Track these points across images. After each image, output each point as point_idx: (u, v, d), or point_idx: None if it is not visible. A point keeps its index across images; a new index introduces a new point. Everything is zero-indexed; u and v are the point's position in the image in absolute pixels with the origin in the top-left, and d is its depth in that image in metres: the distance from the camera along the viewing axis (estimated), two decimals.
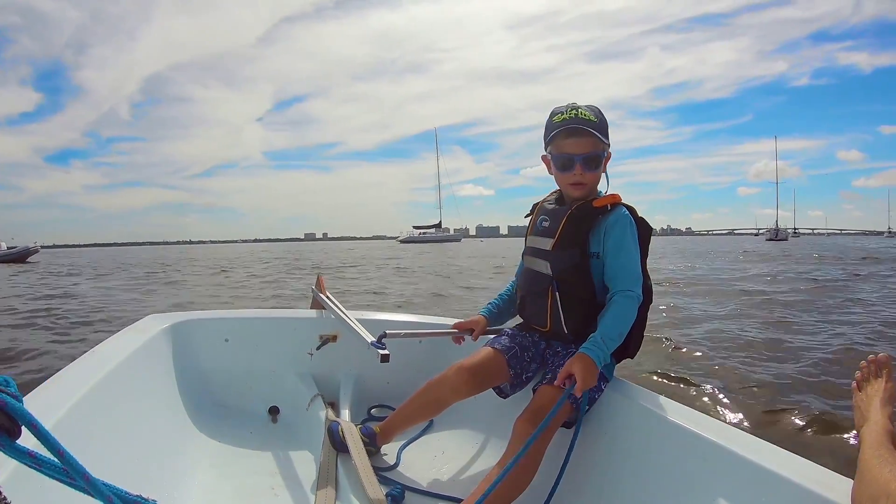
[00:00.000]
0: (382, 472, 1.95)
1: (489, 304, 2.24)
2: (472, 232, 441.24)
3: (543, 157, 1.95)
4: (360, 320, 2.35)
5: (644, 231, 1.86)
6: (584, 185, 1.86)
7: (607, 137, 1.86)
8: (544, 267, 1.87)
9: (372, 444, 2.00)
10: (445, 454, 2.22)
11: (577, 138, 1.81)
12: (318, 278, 2.89)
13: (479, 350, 1.98)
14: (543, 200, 2.04)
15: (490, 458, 2.08)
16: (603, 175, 1.91)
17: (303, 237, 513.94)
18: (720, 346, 5.71)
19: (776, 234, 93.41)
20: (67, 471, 0.63)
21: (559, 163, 1.87)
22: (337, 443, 1.93)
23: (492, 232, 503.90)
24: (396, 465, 2.08)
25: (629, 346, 1.86)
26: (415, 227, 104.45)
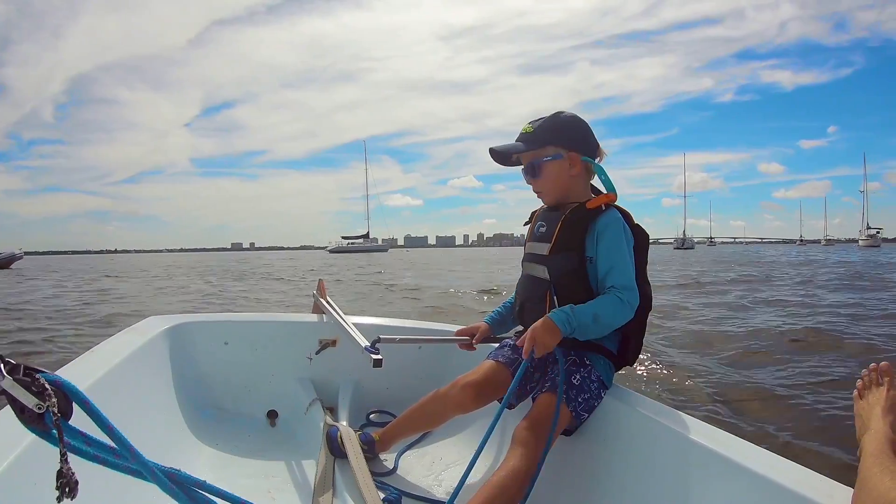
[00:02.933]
0: (380, 478, 1.95)
1: (493, 311, 2.23)
2: (401, 242, 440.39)
3: None
4: (358, 325, 2.38)
5: (640, 239, 1.85)
6: (540, 192, 1.93)
7: (547, 142, 1.86)
8: (542, 272, 1.85)
9: (370, 452, 2.00)
10: (444, 460, 2.23)
11: (521, 154, 1.91)
12: (319, 282, 2.90)
13: (482, 364, 1.97)
14: (540, 207, 2.02)
15: (488, 466, 2.08)
16: (582, 173, 1.89)
17: (229, 247, 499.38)
18: None
19: (682, 244, 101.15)
20: (115, 449, 0.66)
21: (523, 177, 1.96)
22: (335, 448, 1.93)
23: (420, 242, 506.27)
24: (394, 470, 2.08)
25: (627, 352, 1.86)
26: (343, 238, 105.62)
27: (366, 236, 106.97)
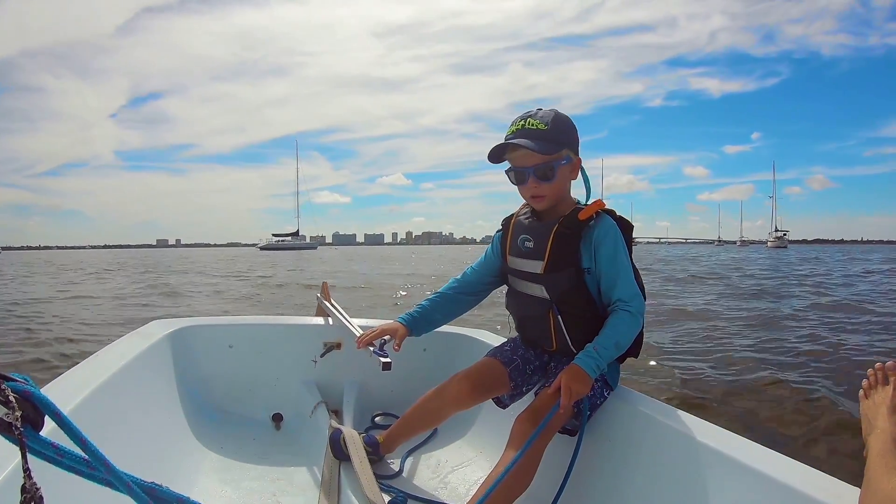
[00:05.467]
0: (385, 481, 1.95)
1: (410, 311, 2.09)
2: (329, 240, 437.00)
3: (507, 171, 1.86)
4: (363, 328, 2.33)
5: (626, 230, 1.80)
6: (542, 196, 1.78)
7: (564, 144, 1.75)
8: (539, 291, 1.80)
9: (375, 454, 1.99)
10: (448, 463, 2.23)
11: (525, 150, 1.73)
12: (323, 285, 2.90)
13: (481, 360, 1.98)
14: (517, 215, 1.91)
15: (493, 468, 2.01)
16: (579, 179, 1.83)
17: (154, 243, 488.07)
18: None
19: None
20: (89, 461, 0.65)
21: (513, 177, 1.81)
22: (339, 451, 1.92)
23: (348, 240, 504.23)
24: (399, 473, 2.09)
25: (630, 346, 1.79)
26: (274, 235, 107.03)
27: (295, 234, 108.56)
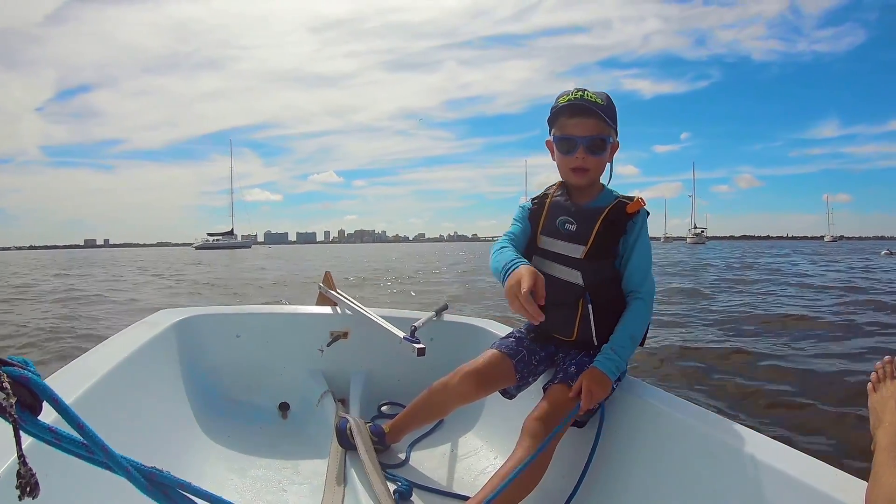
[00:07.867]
0: (390, 470, 1.96)
1: (512, 252, 1.73)
2: (261, 238, 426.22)
3: (547, 142, 1.85)
4: (383, 316, 2.38)
5: None
6: (586, 170, 1.77)
7: (615, 123, 1.77)
8: (574, 277, 1.76)
9: (381, 443, 2.00)
10: (454, 452, 2.23)
11: (582, 118, 1.72)
12: (326, 274, 2.92)
13: (485, 353, 1.94)
14: (552, 195, 1.86)
15: (499, 458, 2.06)
16: (608, 166, 1.83)
17: (82, 244, 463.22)
18: None
19: None
20: (87, 445, 0.65)
21: (561, 145, 1.78)
22: (345, 440, 1.93)
23: (280, 238, 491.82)
24: (405, 462, 2.09)
25: None
26: (209, 235, 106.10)
27: (230, 233, 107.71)
